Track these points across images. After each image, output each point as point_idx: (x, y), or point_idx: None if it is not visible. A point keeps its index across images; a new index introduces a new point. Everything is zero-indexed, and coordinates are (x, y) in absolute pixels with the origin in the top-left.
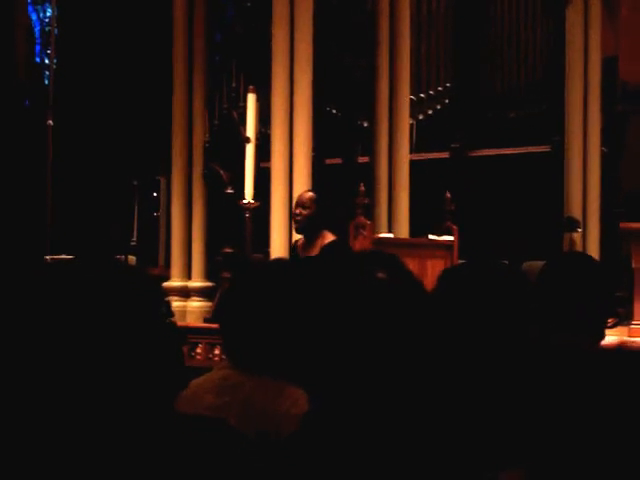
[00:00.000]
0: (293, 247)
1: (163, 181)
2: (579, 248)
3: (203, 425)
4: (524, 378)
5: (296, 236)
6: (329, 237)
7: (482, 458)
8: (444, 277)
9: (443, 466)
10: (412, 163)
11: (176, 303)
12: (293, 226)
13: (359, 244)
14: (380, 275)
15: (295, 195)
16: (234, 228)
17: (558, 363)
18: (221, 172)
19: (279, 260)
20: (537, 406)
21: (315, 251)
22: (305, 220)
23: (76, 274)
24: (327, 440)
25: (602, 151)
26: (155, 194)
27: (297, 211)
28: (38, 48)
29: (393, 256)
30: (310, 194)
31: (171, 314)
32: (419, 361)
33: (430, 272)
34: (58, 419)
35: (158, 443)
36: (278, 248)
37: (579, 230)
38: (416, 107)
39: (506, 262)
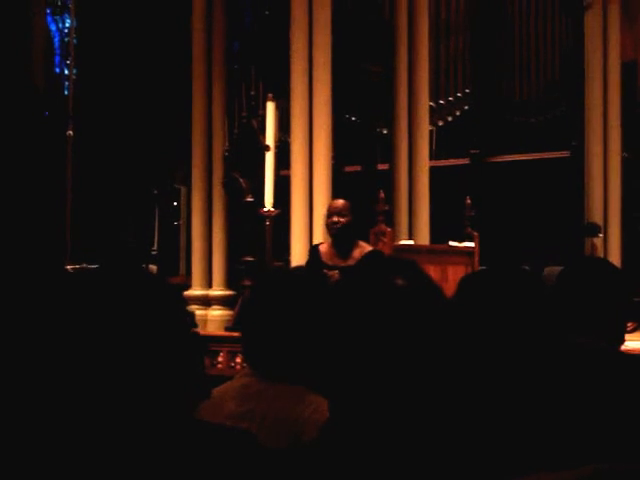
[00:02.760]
0: (313, 251)
1: (183, 190)
2: (600, 253)
3: (223, 434)
4: (544, 383)
5: (317, 241)
6: (367, 247)
7: (501, 463)
8: (464, 283)
9: (464, 472)
10: (432, 170)
11: (197, 312)
12: (329, 234)
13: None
14: (399, 282)
15: (316, 203)
16: (254, 236)
17: (579, 367)
18: (241, 180)
19: (300, 268)
20: (556, 410)
21: (352, 261)
22: (343, 228)
23: (99, 283)
24: (348, 447)
25: (622, 156)
26: (175, 203)
27: (334, 219)
28: (57, 59)
29: (412, 262)
30: (344, 201)
31: (194, 324)
32: (439, 367)
33: (451, 279)
34: (79, 426)
35: (179, 452)
36: (298, 256)
37: (600, 235)
38: (435, 113)
39: (527, 268)
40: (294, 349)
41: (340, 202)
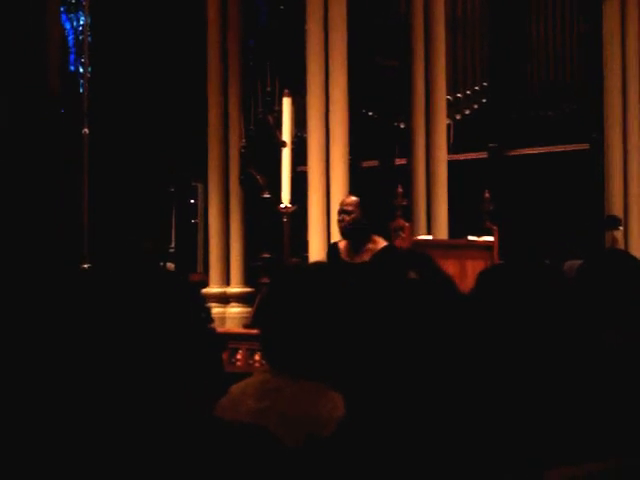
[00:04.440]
0: (332, 248)
1: (200, 187)
2: (621, 246)
3: (240, 431)
4: (565, 377)
5: (334, 237)
6: (381, 242)
7: (525, 456)
8: (483, 277)
9: (483, 466)
10: (450, 164)
11: (215, 309)
12: (339, 231)
13: (398, 246)
14: (414, 277)
15: (333, 198)
16: (272, 233)
17: (600, 361)
18: (258, 177)
19: (317, 264)
20: (581, 404)
21: (366, 256)
22: (350, 225)
23: (117, 281)
24: (366, 442)
25: None
26: (192, 200)
27: (341, 217)
28: (72, 57)
29: (426, 257)
30: (353, 198)
31: (211, 320)
32: (457, 362)
33: (470, 273)
34: (98, 421)
35: (197, 449)
36: (316, 252)
37: (620, 228)
38: (453, 107)
39: (547, 261)
40: (312, 345)
41: (348, 199)
